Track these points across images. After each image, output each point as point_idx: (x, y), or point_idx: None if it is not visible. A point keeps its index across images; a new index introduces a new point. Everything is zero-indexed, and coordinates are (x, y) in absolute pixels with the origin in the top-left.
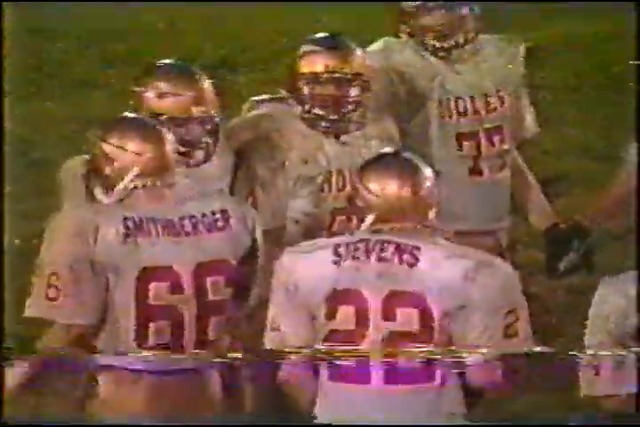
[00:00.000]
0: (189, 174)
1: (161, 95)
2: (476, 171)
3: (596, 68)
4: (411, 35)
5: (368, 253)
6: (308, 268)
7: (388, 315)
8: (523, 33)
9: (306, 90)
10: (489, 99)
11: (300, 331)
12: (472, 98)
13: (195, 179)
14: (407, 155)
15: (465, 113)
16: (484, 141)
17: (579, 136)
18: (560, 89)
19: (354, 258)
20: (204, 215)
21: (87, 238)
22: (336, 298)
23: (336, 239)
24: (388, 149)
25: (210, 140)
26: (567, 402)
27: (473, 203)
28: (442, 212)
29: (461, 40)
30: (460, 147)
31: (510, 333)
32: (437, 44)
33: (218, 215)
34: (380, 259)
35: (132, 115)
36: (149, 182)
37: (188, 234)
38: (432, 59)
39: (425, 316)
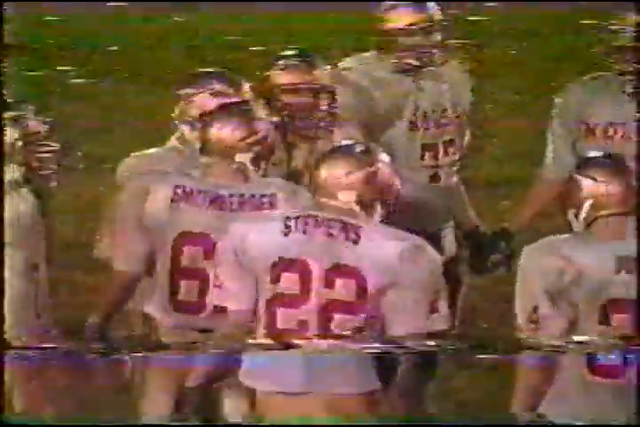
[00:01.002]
0: None
1: (214, 94)
2: (434, 178)
3: (538, 84)
4: (388, 52)
5: (317, 227)
6: (258, 236)
7: (328, 283)
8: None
9: (283, 99)
10: (446, 114)
11: (244, 289)
12: (434, 113)
13: None
14: (357, 145)
15: (428, 127)
16: (441, 152)
17: (520, 145)
18: (505, 103)
19: (303, 231)
20: (252, 196)
21: (138, 200)
22: (282, 265)
23: (286, 212)
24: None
25: None
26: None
27: (431, 205)
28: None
29: (437, 61)
30: (423, 157)
31: (433, 309)
32: (414, 63)
33: (266, 199)
34: (327, 234)
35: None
36: (214, 160)
37: (233, 210)
38: (402, 75)
39: (361, 288)
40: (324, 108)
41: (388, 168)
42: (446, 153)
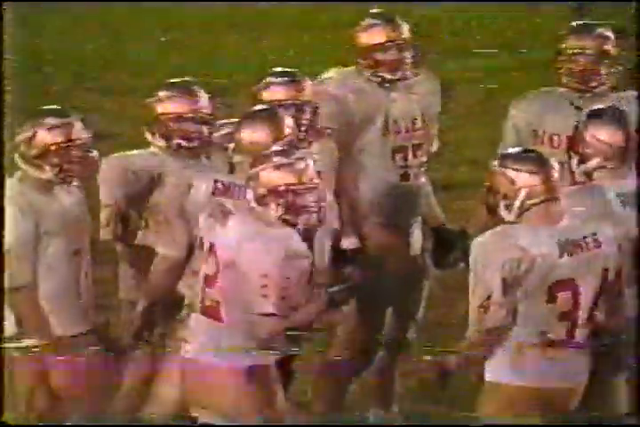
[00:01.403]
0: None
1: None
2: (404, 177)
3: (489, 98)
4: (365, 66)
5: (218, 210)
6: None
7: (207, 260)
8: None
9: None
10: (415, 121)
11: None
12: (404, 120)
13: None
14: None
15: (399, 132)
16: (410, 154)
17: (472, 151)
18: (461, 115)
19: (210, 215)
20: None
21: (181, 192)
22: (199, 240)
23: (220, 200)
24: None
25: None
26: None
27: (401, 202)
28: (375, 207)
29: (409, 75)
30: (394, 158)
31: (263, 293)
32: (388, 76)
33: None
34: (214, 217)
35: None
36: (246, 159)
37: None
38: (376, 87)
39: (217, 263)
40: (306, 122)
41: (281, 175)
42: (415, 155)
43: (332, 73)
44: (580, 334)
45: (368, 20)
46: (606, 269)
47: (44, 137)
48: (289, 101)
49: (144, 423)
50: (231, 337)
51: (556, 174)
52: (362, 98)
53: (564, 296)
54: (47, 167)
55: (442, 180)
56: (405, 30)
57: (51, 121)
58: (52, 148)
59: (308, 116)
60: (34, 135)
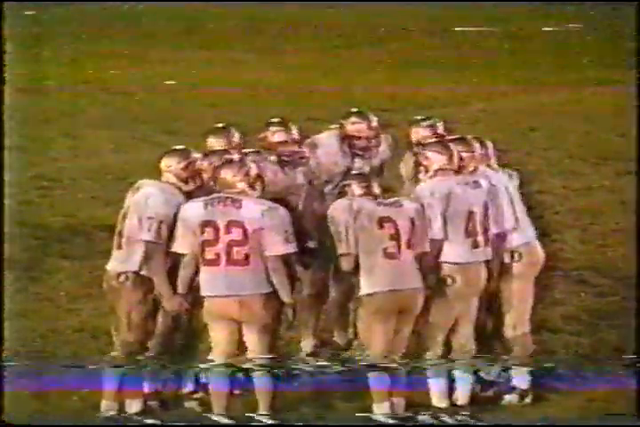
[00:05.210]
0: None
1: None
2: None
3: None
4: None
5: (219, 203)
6: (192, 210)
7: (227, 231)
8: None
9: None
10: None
11: (185, 240)
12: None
13: None
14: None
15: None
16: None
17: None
18: None
19: (212, 205)
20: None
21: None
22: (203, 224)
23: (207, 197)
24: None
25: None
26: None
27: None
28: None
29: (370, 154)
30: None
31: (287, 240)
32: (358, 153)
33: None
34: (224, 205)
35: None
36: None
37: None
38: (347, 156)
39: (244, 231)
40: (299, 152)
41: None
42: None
43: (324, 135)
44: (404, 253)
45: (353, 119)
46: (412, 218)
47: (199, 166)
48: (288, 141)
49: (147, 424)
50: (255, 273)
51: (374, 188)
52: (332, 159)
53: (387, 225)
54: (191, 184)
55: None
56: (375, 124)
57: (197, 156)
58: (199, 173)
59: (297, 148)
60: (190, 164)
